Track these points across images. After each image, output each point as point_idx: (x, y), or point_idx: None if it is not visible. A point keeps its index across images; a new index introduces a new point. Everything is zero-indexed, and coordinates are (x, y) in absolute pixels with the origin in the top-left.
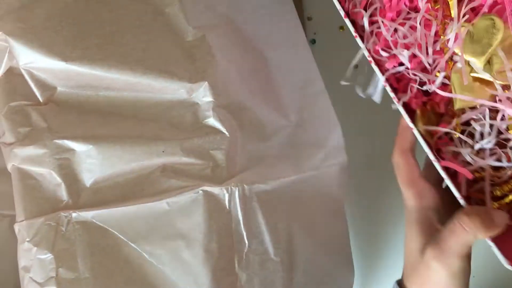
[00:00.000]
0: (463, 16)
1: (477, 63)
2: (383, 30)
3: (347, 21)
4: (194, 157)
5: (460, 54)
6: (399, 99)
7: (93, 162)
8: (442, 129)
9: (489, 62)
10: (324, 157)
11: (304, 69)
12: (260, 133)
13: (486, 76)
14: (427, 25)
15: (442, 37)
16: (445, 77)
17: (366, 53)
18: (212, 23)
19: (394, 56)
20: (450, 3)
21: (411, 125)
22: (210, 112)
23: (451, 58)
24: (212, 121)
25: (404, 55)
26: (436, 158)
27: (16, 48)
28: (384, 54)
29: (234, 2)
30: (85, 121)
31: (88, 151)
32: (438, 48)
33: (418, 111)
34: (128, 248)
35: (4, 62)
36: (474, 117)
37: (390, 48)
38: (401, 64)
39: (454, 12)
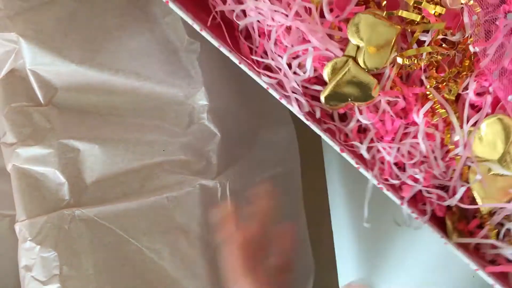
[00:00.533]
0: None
1: (494, 163)
2: (385, 155)
3: (345, 155)
4: (191, 155)
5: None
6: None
7: (96, 161)
8: (478, 240)
9: (505, 158)
10: (282, 159)
11: None
12: (242, 134)
13: (507, 173)
14: (429, 137)
15: (449, 146)
16: (464, 185)
17: (375, 182)
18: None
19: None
20: (449, 111)
21: (445, 240)
22: (205, 114)
23: (465, 165)
24: (206, 123)
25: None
26: (481, 265)
27: (27, 49)
28: (393, 181)
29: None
30: (87, 122)
31: (92, 150)
32: (447, 158)
33: (447, 221)
34: (129, 244)
35: (9, 63)
36: (507, 214)
37: (397, 173)
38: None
39: (453, 120)
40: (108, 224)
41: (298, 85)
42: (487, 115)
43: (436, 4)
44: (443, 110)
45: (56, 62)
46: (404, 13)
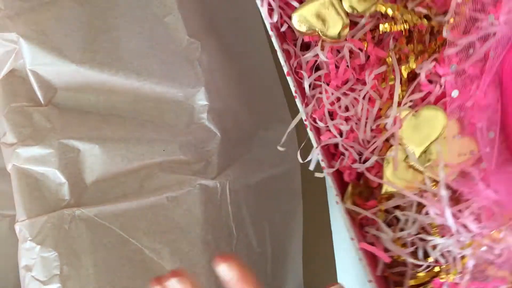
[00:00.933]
0: (409, 101)
1: (414, 152)
2: (324, 97)
3: (289, 79)
4: (191, 155)
5: (395, 139)
6: (330, 168)
7: (96, 161)
8: (365, 213)
9: (425, 153)
10: (280, 159)
11: (268, 78)
12: (242, 134)
13: (419, 167)
14: (371, 100)
15: (382, 117)
16: (380, 157)
17: (304, 117)
18: (203, 33)
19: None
20: (396, 85)
21: (338, 199)
22: (205, 114)
23: (387, 140)
24: (206, 123)
25: (340, 128)
26: (357, 237)
27: (27, 49)
28: (320, 124)
29: (215, 14)
30: (87, 122)
31: (93, 150)
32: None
33: (349, 186)
34: (129, 244)
35: (9, 63)
36: (402, 204)
37: (330, 116)
38: (341, 134)
39: (395, 97)
40: (108, 224)
41: None
42: (428, 103)
43: None
44: (392, 78)
45: (56, 62)
46: None
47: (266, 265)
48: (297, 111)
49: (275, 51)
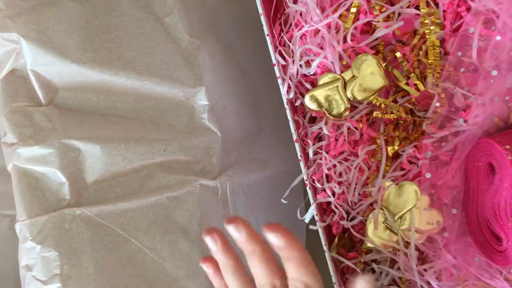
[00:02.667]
0: (392, 176)
1: (391, 216)
2: (323, 163)
3: (297, 145)
4: (191, 155)
5: (378, 204)
6: (322, 222)
7: (97, 161)
8: (348, 262)
9: (401, 218)
10: (282, 160)
11: (270, 78)
12: (242, 134)
13: (394, 230)
14: (361, 170)
15: (370, 186)
16: (363, 218)
17: (305, 177)
18: (204, 33)
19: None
20: (382, 162)
21: (325, 248)
22: (205, 114)
23: (371, 205)
24: (207, 123)
25: (334, 191)
26: (338, 282)
27: (28, 49)
28: (318, 185)
29: (216, 14)
30: (88, 122)
31: (93, 150)
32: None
33: (336, 238)
34: (129, 244)
35: (9, 63)
36: (378, 258)
37: (326, 179)
38: (334, 194)
39: (381, 171)
40: (109, 224)
41: (297, 75)
42: (406, 179)
43: (421, 79)
44: (380, 156)
45: (57, 62)
46: (395, 72)
47: None
48: None
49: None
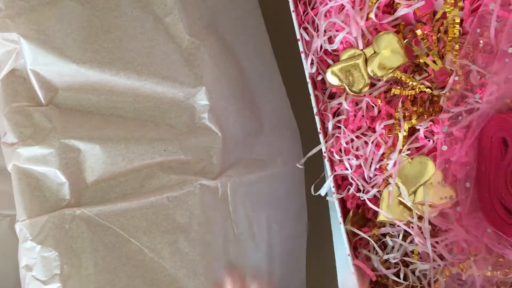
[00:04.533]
0: (407, 149)
1: (405, 191)
2: (342, 137)
3: (317, 118)
4: (191, 155)
5: (393, 178)
6: (338, 195)
7: (97, 161)
8: (362, 234)
9: (414, 193)
10: (283, 159)
11: (270, 78)
12: (243, 133)
13: (408, 204)
14: (378, 145)
15: (385, 159)
16: (378, 191)
17: (324, 149)
18: (204, 33)
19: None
20: (399, 136)
21: (340, 219)
22: (206, 114)
23: (387, 179)
24: (207, 123)
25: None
26: (352, 255)
27: (28, 49)
28: (336, 157)
29: (216, 14)
30: (88, 122)
31: (93, 150)
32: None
33: (350, 212)
34: (129, 244)
35: (9, 63)
36: (391, 232)
37: (344, 152)
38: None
39: (398, 145)
40: (109, 224)
41: (319, 50)
42: (422, 154)
43: (439, 57)
44: (398, 129)
45: (57, 62)
46: (415, 48)
47: (268, 266)
48: (299, 111)
49: (277, 51)
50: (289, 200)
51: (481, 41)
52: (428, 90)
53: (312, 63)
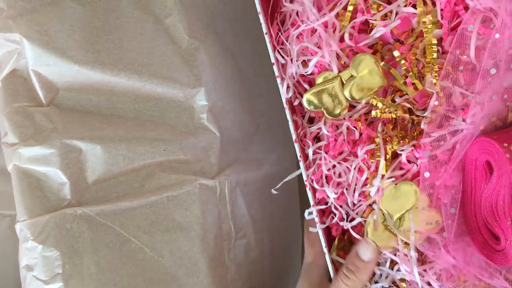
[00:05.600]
0: (390, 176)
1: (390, 217)
2: (322, 164)
3: (296, 145)
4: (191, 154)
5: (377, 205)
6: (321, 223)
7: (98, 161)
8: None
9: (400, 219)
10: (278, 158)
11: (267, 78)
12: (241, 133)
13: (394, 230)
14: (361, 170)
15: (368, 185)
16: (363, 218)
17: (304, 177)
18: (203, 34)
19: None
20: (380, 162)
21: (325, 250)
22: (205, 114)
23: (371, 205)
24: (206, 123)
25: (333, 192)
26: None
27: (30, 50)
28: (316, 186)
29: (216, 15)
30: (89, 122)
31: (94, 150)
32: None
33: (336, 241)
34: (130, 243)
35: (10, 63)
36: (378, 260)
37: (325, 180)
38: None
39: (379, 171)
40: (110, 223)
41: (295, 74)
42: (406, 178)
43: (419, 78)
44: (379, 155)
45: (59, 63)
46: (393, 71)
47: (265, 264)
48: None
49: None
50: (284, 199)
51: (463, 60)
52: (406, 115)
53: (288, 88)
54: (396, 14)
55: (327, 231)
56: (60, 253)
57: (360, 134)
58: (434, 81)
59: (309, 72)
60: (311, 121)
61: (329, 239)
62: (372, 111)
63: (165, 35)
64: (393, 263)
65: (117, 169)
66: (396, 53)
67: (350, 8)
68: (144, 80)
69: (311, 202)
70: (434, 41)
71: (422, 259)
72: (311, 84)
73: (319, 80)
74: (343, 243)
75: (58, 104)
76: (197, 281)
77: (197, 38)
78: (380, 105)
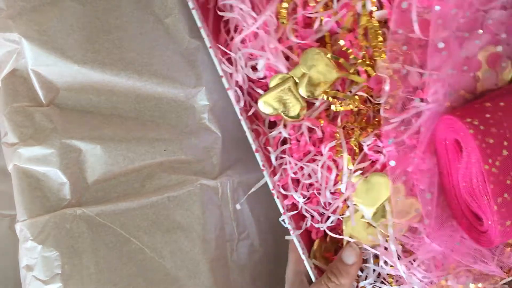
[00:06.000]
0: (360, 169)
1: (367, 211)
2: (288, 168)
3: (257, 155)
4: (192, 155)
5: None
6: (296, 230)
7: (98, 161)
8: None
9: (379, 211)
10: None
11: None
12: (242, 134)
13: (373, 223)
14: (330, 169)
15: (339, 182)
16: (341, 215)
17: (271, 186)
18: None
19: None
20: (344, 157)
21: (303, 256)
22: (206, 114)
23: (345, 201)
24: (207, 123)
25: (301, 195)
26: None
27: (29, 49)
28: (283, 191)
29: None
30: (89, 122)
31: (94, 150)
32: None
33: (315, 244)
34: (130, 243)
35: (10, 63)
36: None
37: (294, 183)
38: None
39: (344, 166)
40: (110, 224)
41: (244, 81)
42: (376, 170)
43: (369, 65)
44: (341, 150)
45: (58, 62)
46: (342, 61)
47: (267, 264)
48: None
49: None
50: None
51: (413, 38)
52: (361, 105)
53: (238, 97)
54: (338, 1)
55: (308, 235)
56: (60, 253)
57: (323, 132)
58: (385, 65)
59: (261, 77)
60: (273, 125)
61: (310, 243)
62: (332, 105)
63: (165, 34)
64: (378, 257)
65: (117, 169)
66: (341, 42)
67: (285, 5)
68: (144, 80)
69: (281, 210)
70: (376, 23)
71: (408, 250)
72: (267, 89)
73: (272, 83)
74: (325, 245)
75: (58, 104)
76: (198, 282)
77: (198, 37)
78: (334, 94)
